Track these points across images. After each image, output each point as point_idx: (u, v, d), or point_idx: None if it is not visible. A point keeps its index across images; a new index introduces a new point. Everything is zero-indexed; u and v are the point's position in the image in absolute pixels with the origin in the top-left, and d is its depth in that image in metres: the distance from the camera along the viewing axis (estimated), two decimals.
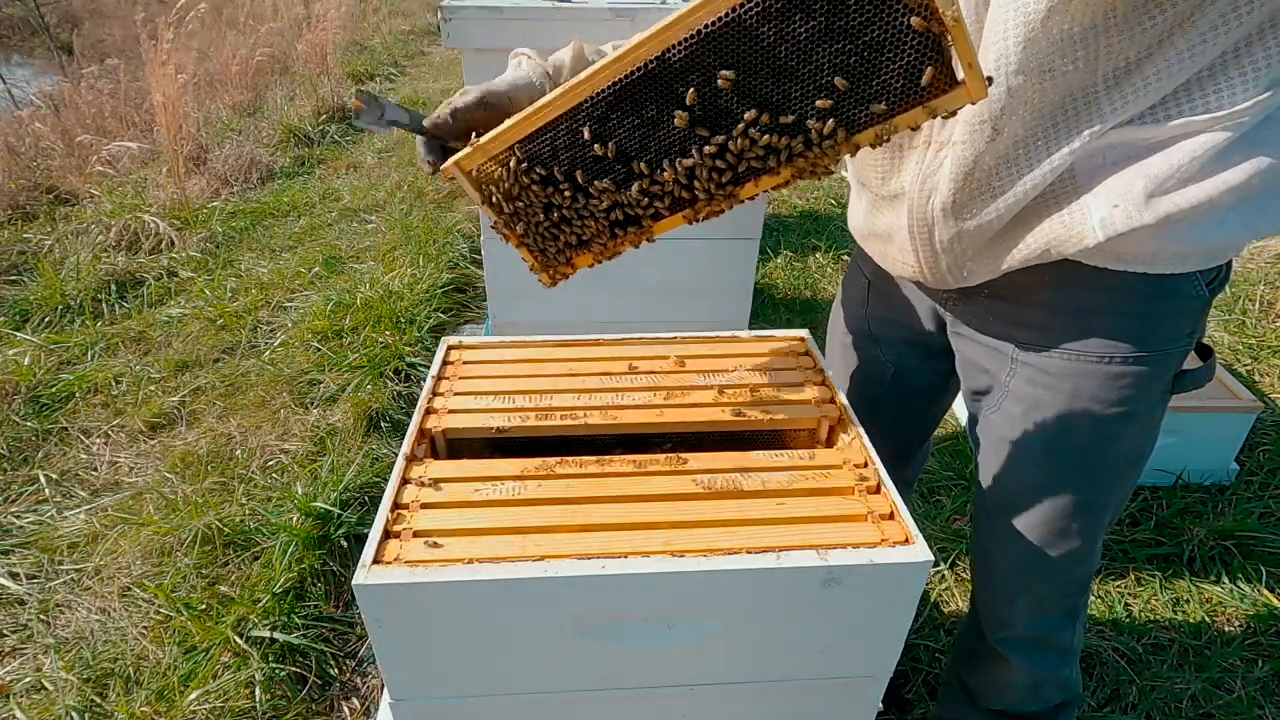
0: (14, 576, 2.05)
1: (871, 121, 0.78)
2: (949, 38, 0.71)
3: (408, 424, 1.10)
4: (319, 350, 3.00)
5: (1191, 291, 0.98)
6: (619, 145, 0.88)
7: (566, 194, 0.94)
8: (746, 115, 0.81)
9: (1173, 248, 0.91)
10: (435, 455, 1.09)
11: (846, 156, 0.86)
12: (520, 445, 1.10)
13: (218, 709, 1.72)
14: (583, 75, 0.85)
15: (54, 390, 2.78)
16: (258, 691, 1.74)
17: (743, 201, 0.89)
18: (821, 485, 0.97)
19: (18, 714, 1.71)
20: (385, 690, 1.07)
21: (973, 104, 0.75)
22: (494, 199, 0.98)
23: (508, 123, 0.92)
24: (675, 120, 0.84)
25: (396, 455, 1.03)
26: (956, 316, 1.17)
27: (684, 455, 1.01)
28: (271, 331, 3.17)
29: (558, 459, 1.01)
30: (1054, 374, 1.05)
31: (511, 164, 0.94)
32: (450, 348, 1.28)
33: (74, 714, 1.70)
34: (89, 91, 5.15)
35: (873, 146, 0.81)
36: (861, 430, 1.06)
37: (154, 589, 1.96)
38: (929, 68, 0.73)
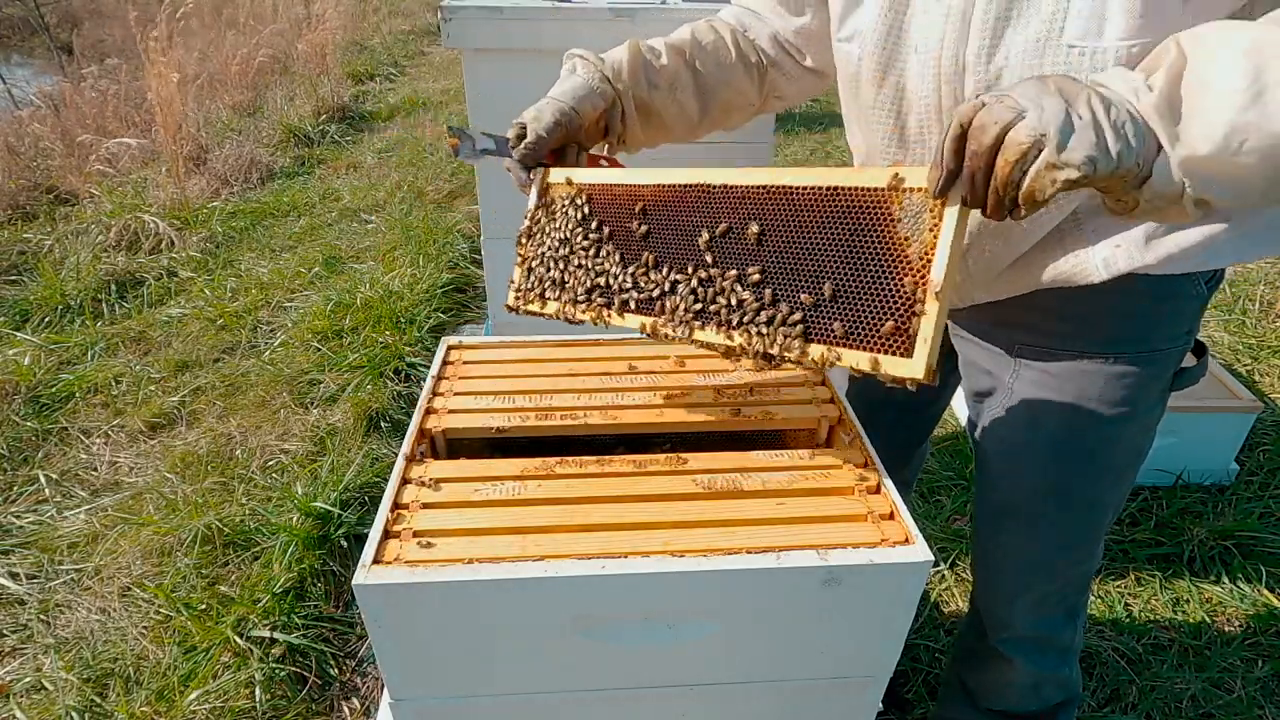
0: (14, 576, 2.05)
1: (826, 338, 0.85)
2: (921, 306, 0.77)
3: (408, 424, 1.10)
4: (319, 350, 3.00)
5: (1191, 291, 0.99)
6: (649, 229, 1.02)
7: (588, 240, 1.07)
8: (749, 269, 0.91)
9: (1171, 272, 0.94)
10: (435, 455, 1.09)
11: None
12: (520, 445, 1.10)
13: (218, 709, 1.72)
14: (670, 172, 1.01)
15: (54, 390, 2.78)
16: (258, 691, 1.74)
17: (691, 343, 0.97)
18: (821, 485, 0.97)
19: (18, 714, 1.71)
20: (385, 690, 1.07)
21: (910, 385, 0.78)
22: (540, 208, 1.14)
23: (599, 171, 1.10)
24: (699, 238, 0.95)
25: (396, 455, 1.03)
26: (957, 320, 1.17)
27: (684, 455, 1.01)
28: (271, 331, 3.17)
29: (558, 459, 1.01)
30: (1057, 375, 1.05)
31: (575, 192, 1.10)
32: (450, 348, 1.28)
33: (74, 714, 1.70)
34: (89, 91, 5.15)
35: (814, 367, 0.86)
36: (861, 430, 1.06)
37: (154, 589, 1.96)
38: (892, 321, 0.79)
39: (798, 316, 0.85)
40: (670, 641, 0.92)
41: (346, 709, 1.79)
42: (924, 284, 0.76)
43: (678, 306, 0.96)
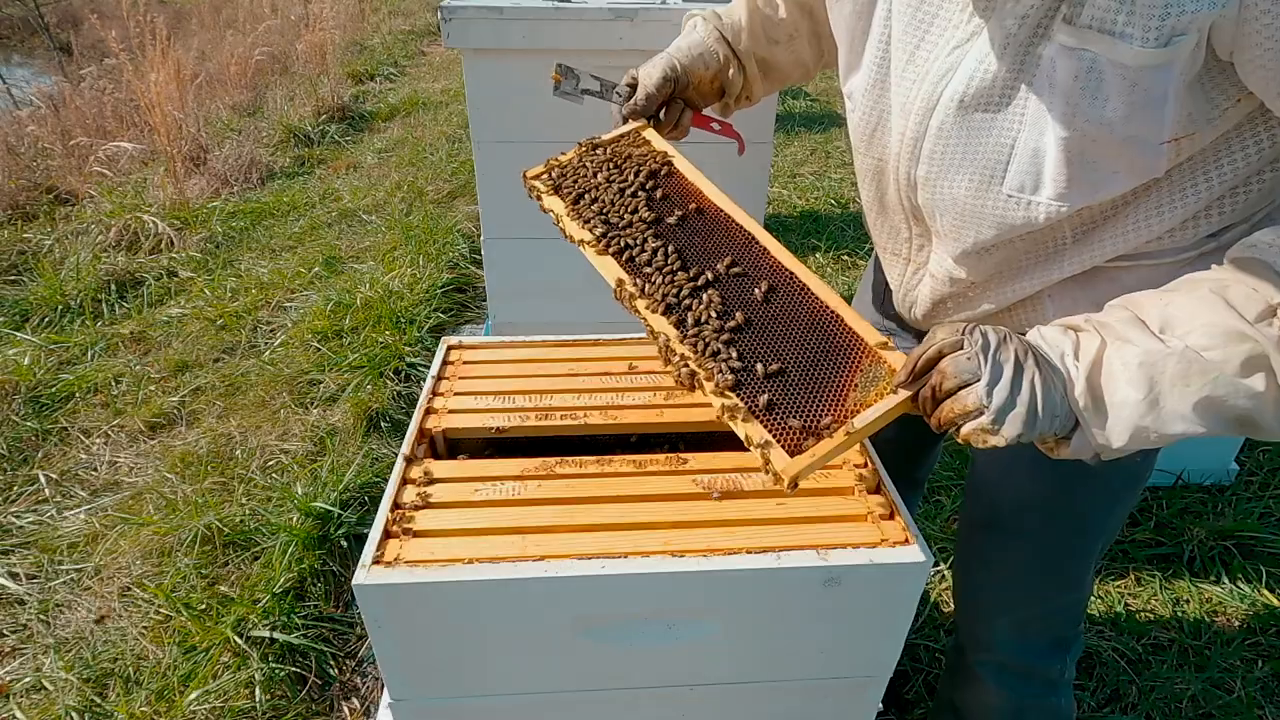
0: (14, 576, 2.05)
1: (747, 399, 0.88)
2: (830, 432, 0.84)
3: (408, 424, 1.10)
4: (319, 350, 2.99)
5: None
6: (686, 222, 1.07)
7: (635, 188, 1.10)
8: (735, 312, 0.96)
9: None
10: (435, 455, 1.09)
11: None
12: (520, 445, 1.10)
13: (218, 709, 1.72)
14: (736, 206, 1.08)
15: (54, 390, 2.78)
16: (258, 691, 1.74)
17: (638, 316, 1.00)
18: (821, 485, 0.97)
19: (18, 714, 1.71)
20: (385, 690, 1.07)
21: (773, 481, 0.83)
22: (622, 140, 1.17)
23: (687, 165, 1.14)
24: (720, 260, 1.01)
25: (396, 455, 1.03)
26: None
27: (684, 455, 1.01)
28: (271, 331, 3.17)
29: (558, 459, 1.01)
30: None
31: (661, 156, 1.14)
32: (450, 348, 1.28)
33: (74, 714, 1.70)
34: (89, 91, 5.14)
35: (718, 413, 0.89)
36: None
37: (154, 589, 1.96)
38: (801, 422, 0.85)
39: (738, 365, 0.90)
40: (670, 641, 0.92)
41: (346, 709, 1.79)
42: (842, 422, 0.84)
43: (656, 287, 0.99)
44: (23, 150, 4.71)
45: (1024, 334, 0.82)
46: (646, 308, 0.98)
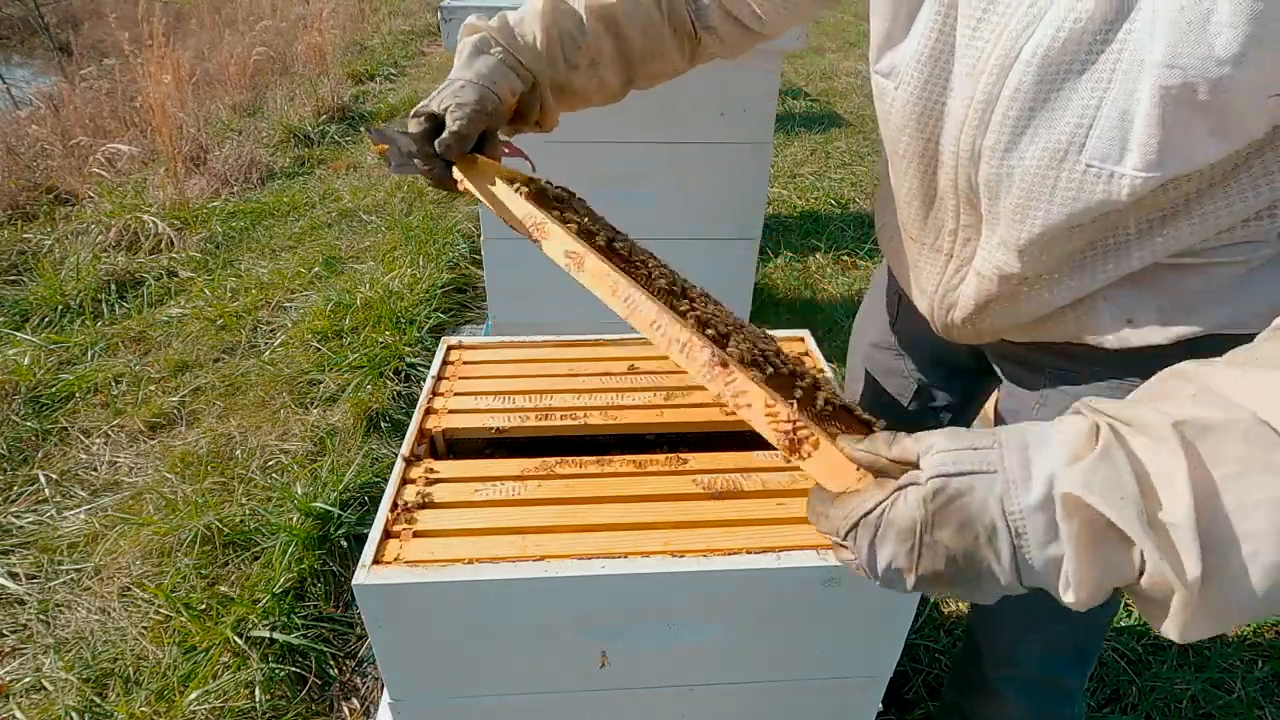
0: (14, 576, 2.05)
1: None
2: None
3: (408, 424, 1.10)
4: (319, 350, 2.99)
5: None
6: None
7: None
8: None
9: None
10: (435, 455, 1.09)
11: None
12: (520, 445, 1.10)
13: (217, 709, 1.72)
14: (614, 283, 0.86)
15: (54, 390, 2.78)
16: (257, 692, 1.74)
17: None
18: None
19: (17, 714, 1.71)
20: (385, 690, 1.07)
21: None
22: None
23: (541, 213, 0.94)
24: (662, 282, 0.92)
25: (396, 455, 1.03)
26: (991, 348, 1.11)
27: (684, 455, 1.01)
28: (271, 331, 3.17)
29: (558, 459, 1.01)
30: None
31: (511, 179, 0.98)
32: (450, 348, 1.28)
33: (74, 714, 1.70)
34: (88, 91, 5.14)
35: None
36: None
37: (154, 589, 1.96)
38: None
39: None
40: (670, 641, 0.92)
41: (346, 709, 1.79)
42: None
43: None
44: (23, 150, 4.71)
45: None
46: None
